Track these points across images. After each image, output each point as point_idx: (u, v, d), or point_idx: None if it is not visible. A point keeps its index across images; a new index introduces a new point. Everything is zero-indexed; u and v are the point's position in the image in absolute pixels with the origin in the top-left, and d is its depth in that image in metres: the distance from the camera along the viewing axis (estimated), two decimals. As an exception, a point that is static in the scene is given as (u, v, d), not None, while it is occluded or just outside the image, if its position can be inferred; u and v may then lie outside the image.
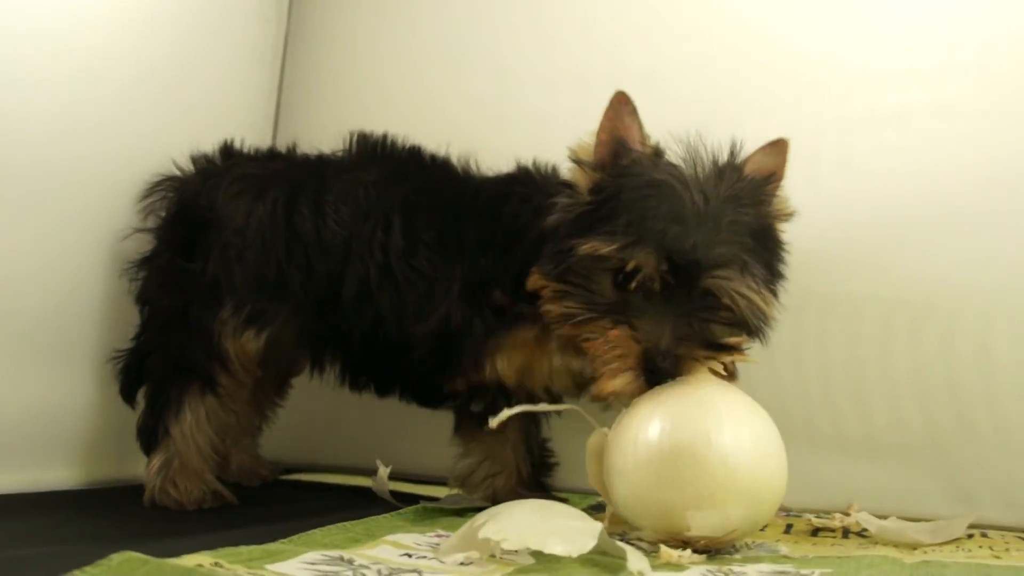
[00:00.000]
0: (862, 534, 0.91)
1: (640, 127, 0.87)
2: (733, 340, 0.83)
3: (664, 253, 0.80)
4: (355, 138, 1.07)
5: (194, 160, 1.11)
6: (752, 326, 0.83)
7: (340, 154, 1.07)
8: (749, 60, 1.11)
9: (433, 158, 1.05)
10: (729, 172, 0.86)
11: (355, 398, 1.10)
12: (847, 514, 0.94)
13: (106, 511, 1.00)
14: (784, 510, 0.99)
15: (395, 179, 1.03)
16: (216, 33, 1.24)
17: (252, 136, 1.18)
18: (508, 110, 1.22)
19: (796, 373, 1.03)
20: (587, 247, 0.82)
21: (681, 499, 0.77)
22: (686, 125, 1.05)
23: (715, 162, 0.86)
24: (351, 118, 1.12)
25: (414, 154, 1.06)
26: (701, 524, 0.77)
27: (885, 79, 1.04)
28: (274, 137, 1.30)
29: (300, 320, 1.03)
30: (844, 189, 1.04)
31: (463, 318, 0.95)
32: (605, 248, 0.81)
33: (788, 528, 0.94)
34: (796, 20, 1.11)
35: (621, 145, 0.87)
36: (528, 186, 0.98)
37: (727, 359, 0.82)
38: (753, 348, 0.86)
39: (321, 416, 1.27)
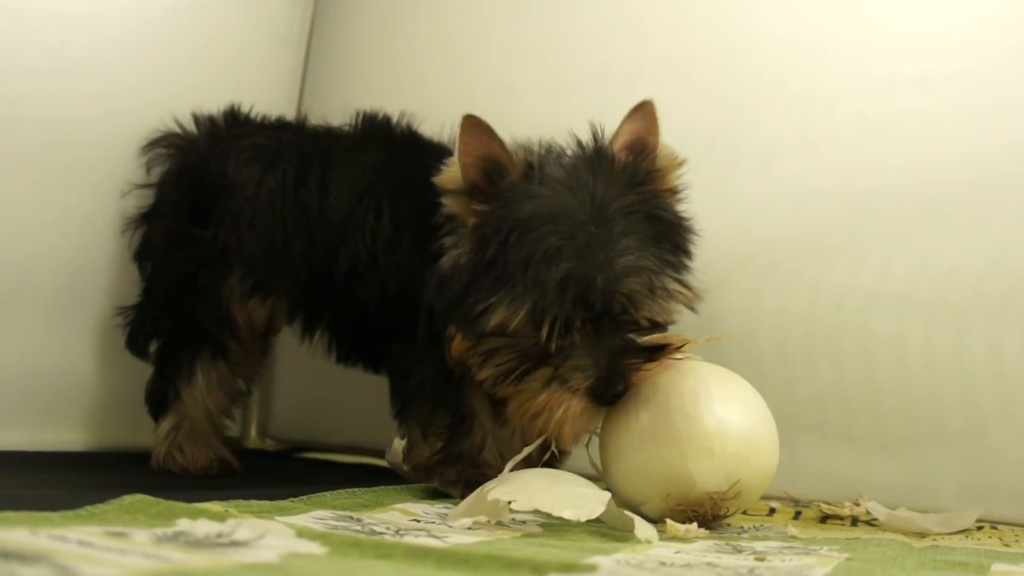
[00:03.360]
0: (871, 523, 0.90)
1: (501, 143, 0.84)
2: (670, 338, 0.82)
3: (573, 303, 0.78)
4: (361, 116, 1.07)
5: (197, 121, 1.11)
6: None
7: (346, 130, 1.07)
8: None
9: (429, 142, 1.04)
10: (604, 165, 0.83)
11: (363, 376, 1.10)
12: (856, 503, 0.93)
13: (116, 469, 1.00)
14: (793, 500, 0.98)
15: (390, 163, 1.03)
16: (241, 11, 1.25)
17: (279, 112, 1.18)
18: (535, 92, 1.21)
19: (807, 365, 1.03)
20: (495, 319, 0.80)
21: (681, 455, 0.79)
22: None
23: (587, 158, 0.84)
24: (375, 102, 1.11)
25: (411, 138, 1.05)
26: (706, 476, 0.78)
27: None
28: (298, 114, 1.30)
29: (298, 290, 1.04)
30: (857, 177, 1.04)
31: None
32: (514, 320, 0.79)
33: (797, 515, 0.93)
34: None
35: (490, 163, 0.84)
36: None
37: (676, 355, 0.82)
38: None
39: (330, 395, 1.27)
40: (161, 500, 0.63)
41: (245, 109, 1.12)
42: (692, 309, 0.84)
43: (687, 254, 0.85)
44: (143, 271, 1.09)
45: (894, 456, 0.99)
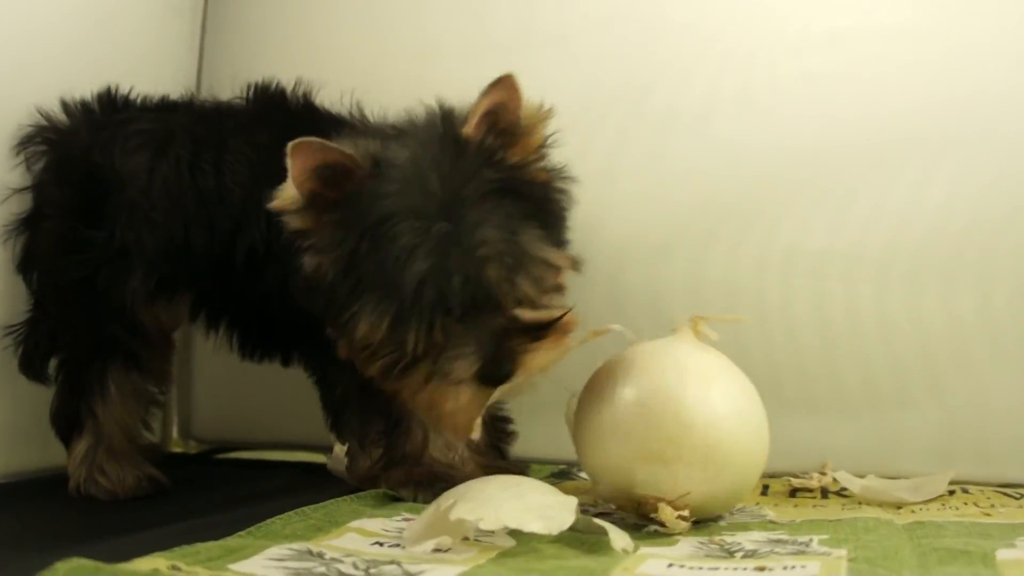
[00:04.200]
0: (841, 493, 0.88)
1: (337, 150, 0.76)
2: (552, 313, 0.77)
3: (432, 307, 0.73)
4: (254, 89, 0.98)
5: (67, 108, 1.00)
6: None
7: (239, 105, 0.98)
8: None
9: (328, 116, 0.96)
10: (452, 146, 0.77)
11: (285, 369, 1.03)
12: (823, 473, 0.91)
13: (31, 506, 0.91)
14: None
15: (285, 140, 0.95)
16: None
17: (174, 91, 1.08)
18: (453, 54, 1.13)
19: (760, 333, 0.99)
20: (360, 331, 0.75)
21: (630, 451, 0.74)
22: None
23: (435, 140, 0.78)
24: (284, 68, 1.01)
25: (307, 111, 0.97)
26: (650, 481, 0.74)
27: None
28: (197, 90, 1.20)
29: (200, 285, 0.96)
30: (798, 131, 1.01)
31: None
32: (379, 331, 0.74)
33: (765, 489, 0.91)
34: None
35: (328, 170, 0.76)
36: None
37: (567, 328, 0.78)
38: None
39: (252, 390, 1.19)
40: (102, 565, 0.55)
41: (124, 90, 1.01)
42: (574, 270, 0.80)
43: (556, 220, 0.80)
44: (30, 282, 0.99)
45: (856, 421, 0.97)
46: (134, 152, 0.94)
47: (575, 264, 0.79)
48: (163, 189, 0.93)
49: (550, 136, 0.80)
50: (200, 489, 0.99)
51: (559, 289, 0.79)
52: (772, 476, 0.93)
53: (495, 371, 0.76)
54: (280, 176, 0.90)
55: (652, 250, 1.02)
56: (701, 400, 0.74)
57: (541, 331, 0.76)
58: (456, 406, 0.76)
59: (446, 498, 0.71)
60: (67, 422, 0.96)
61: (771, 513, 0.80)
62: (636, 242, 1.03)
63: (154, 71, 1.15)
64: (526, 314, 0.76)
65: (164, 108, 1.01)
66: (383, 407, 0.89)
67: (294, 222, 0.79)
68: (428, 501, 0.79)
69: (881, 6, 0.99)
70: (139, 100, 1.01)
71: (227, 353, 1.10)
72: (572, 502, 0.69)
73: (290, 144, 0.76)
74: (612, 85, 1.05)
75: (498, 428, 1.00)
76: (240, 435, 1.23)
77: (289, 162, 0.76)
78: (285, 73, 1.00)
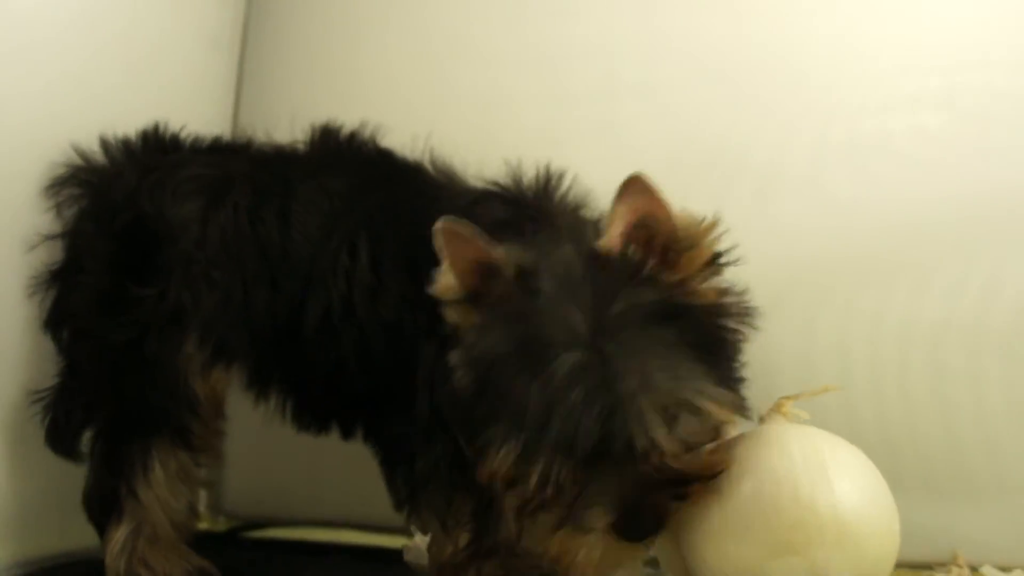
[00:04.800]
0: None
1: (491, 251, 0.67)
2: (705, 463, 0.65)
3: (556, 449, 0.62)
4: (319, 132, 0.89)
5: (107, 148, 0.89)
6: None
7: (302, 150, 0.88)
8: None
9: (405, 164, 0.87)
10: (603, 262, 0.66)
11: (327, 439, 0.92)
12: (959, 566, 0.83)
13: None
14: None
15: (361, 190, 0.85)
16: (161, 10, 1.03)
17: (210, 128, 0.97)
18: (491, 103, 1.05)
19: (875, 405, 0.92)
20: (487, 463, 0.64)
21: (753, 551, 0.64)
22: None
23: (585, 256, 0.67)
24: (318, 108, 0.93)
25: (384, 158, 0.87)
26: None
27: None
28: (234, 128, 1.10)
29: (260, 350, 0.85)
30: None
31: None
32: (504, 466, 0.63)
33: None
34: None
35: (483, 267, 0.67)
36: (518, 209, 0.79)
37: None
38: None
39: (290, 463, 1.08)
40: None
41: (172, 128, 0.91)
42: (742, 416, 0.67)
43: (727, 352, 0.67)
44: (60, 343, 0.87)
45: (981, 507, 0.89)
46: (187, 199, 0.84)
47: (741, 410, 0.66)
48: (219, 242, 0.83)
49: (721, 252, 0.68)
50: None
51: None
52: (903, 566, 0.85)
53: (634, 526, 0.64)
54: (357, 230, 0.82)
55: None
56: (817, 478, 0.64)
57: (686, 485, 0.65)
58: (587, 559, 0.64)
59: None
60: (103, 504, 0.84)
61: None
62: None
63: (191, 107, 1.04)
64: (676, 462, 0.64)
65: (219, 150, 0.91)
66: (475, 484, 0.77)
67: (450, 315, 0.69)
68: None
69: (1007, 63, 0.93)
70: (189, 141, 0.91)
71: (260, 421, 1.00)
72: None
73: (442, 224, 0.67)
74: (708, 140, 0.97)
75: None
76: (277, 510, 1.11)
77: (443, 245, 0.67)
78: (329, 113, 0.91)
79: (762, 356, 0.92)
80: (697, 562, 0.68)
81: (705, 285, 0.67)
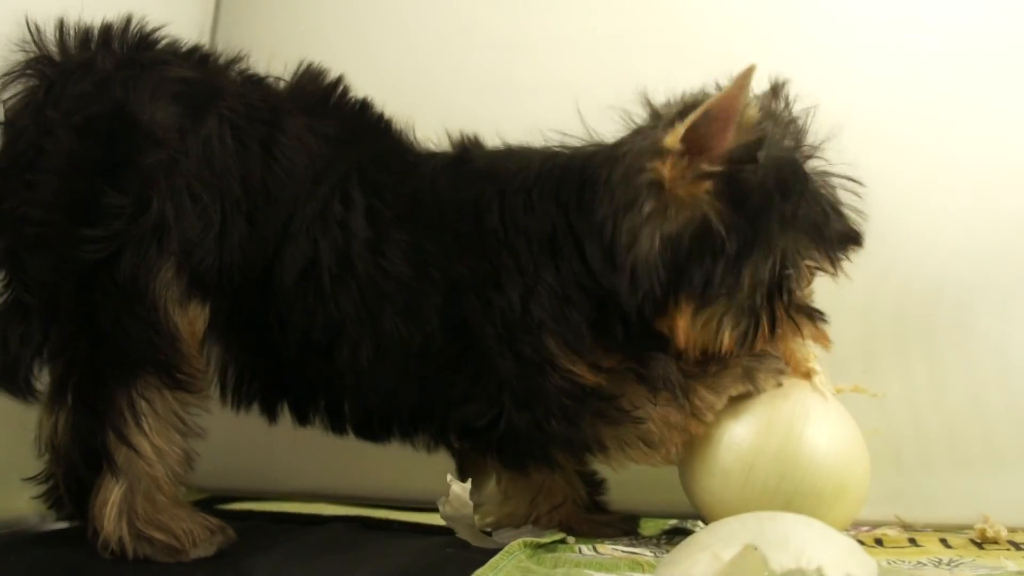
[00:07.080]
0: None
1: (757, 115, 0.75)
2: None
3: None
4: (304, 73, 0.82)
5: (71, 32, 0.76)
6: None
7: (286, 87, 0.82)
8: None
9: (380, 120, 0.83)
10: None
11: None
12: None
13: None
14: (905, 526, 0.87)
15: (351, 142, 0.80)
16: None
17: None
18: (469, 62, 1.03)
19: (904, 382, 0.91)
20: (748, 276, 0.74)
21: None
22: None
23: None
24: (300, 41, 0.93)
25: (364, 110, 0.83)
26: None
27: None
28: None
29: (224, 298, 0.76)
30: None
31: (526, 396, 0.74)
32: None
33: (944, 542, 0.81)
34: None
35: (741, 128, 0.73)
36: (494, 177, 0.78)
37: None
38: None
39: (264, 430, 0.97)
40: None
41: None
42: None
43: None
44: (8, 257, 0.73)
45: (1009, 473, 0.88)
46: (170, 101, 0.74)
47: None
48: (203, 155, 0.73)
49: None
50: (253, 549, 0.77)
51: None
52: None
53: None
54: (349, 179, 0.77)
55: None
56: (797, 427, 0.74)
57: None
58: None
59: (721, 544, 0.56)
60: (87, 458, 0.73)
61: (1012, 565, 0.70)
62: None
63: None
64: None
65: (204, 60, 0.80)
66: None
67: (658, 171, 0.73)
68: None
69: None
70: (165, 43, 0.79)
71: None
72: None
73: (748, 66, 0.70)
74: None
75: (587, 479, 0.86)
76: (250, 482, 1.03)
77: (733, 89, 0.70)
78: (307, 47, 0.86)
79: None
80: (691, 491, 0.78)
81: None
